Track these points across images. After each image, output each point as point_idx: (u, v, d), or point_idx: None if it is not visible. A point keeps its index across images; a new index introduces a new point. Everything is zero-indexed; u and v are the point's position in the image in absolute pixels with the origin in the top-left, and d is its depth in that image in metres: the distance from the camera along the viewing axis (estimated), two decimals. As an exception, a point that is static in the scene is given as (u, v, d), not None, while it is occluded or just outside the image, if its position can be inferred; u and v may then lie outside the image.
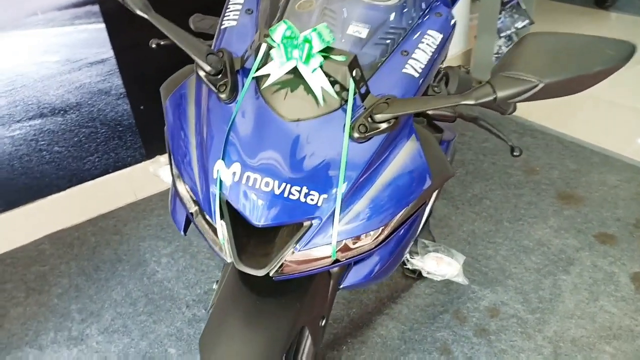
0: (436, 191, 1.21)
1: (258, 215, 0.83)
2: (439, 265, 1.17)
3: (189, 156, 0.92)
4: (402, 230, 0.97)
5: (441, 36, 1.00)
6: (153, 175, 1.42)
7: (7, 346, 1.76)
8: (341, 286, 0.99)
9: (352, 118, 0.84)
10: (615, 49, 0.77)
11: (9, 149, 2.06)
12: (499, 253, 2.02)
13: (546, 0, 4.24)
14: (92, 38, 2.08)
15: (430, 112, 1.02)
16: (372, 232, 0.88)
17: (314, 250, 0.87)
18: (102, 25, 2.06)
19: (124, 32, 2.11)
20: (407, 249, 1.08)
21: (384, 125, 0.83)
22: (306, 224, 0.84)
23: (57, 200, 2.22)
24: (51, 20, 1.97)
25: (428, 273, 1.22)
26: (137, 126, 2.32)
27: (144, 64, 2.21)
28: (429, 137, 0.95)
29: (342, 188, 0.83)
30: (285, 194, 0.82)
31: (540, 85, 0.72)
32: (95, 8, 2.02)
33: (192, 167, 0.91)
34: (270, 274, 0.88)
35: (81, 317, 1.85)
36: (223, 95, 0.89)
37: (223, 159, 0.85)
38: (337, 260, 0.90)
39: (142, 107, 2.30)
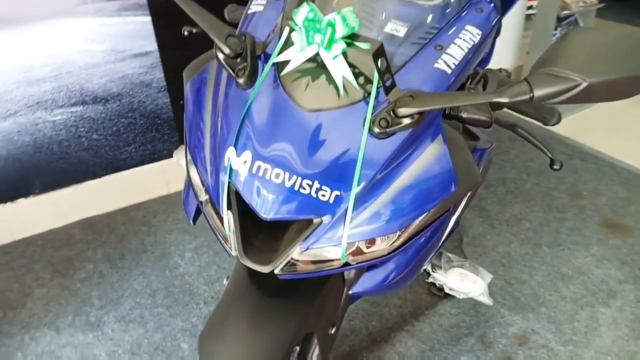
0: (464, 201, 1.13)
1: (266, 208, 0.78)
2: (463, 281, 1.09)
3: (203, 142, 0.89)
4: (423, 238, 0.90)
5: (480, 33, 0.93)
6: (176, 164, 1.40)
7: (27, 325, 1.78)
8: (351, 292, 0.93)
9: (374, 112, 0.79)
10: None
11: (49, 133, 2.11)
12: (534, 278, 1.90)
13: (605, 18, 4.05)
14: (137, 30, 2.11)
15: (464, 116, 0.95)
16: (387, 237, 0.82)
17: (322, 250, 0.81)
18: (148, 19, 2.09)
19: (169, 26, 2.13)
20: (428, 260, 1.00)
21: (406, 121, 0.77)
22: (316, 221, 0.79)
23: (91, 187, 2.26)
24: (99, 10, 2.02)
25: (451, 289, 1.14)
26: (175, 120, 2.33)
27: (186, 59, 2.22)
28: (458, 140, 0.89)
29: (356, 186, 0.77)
30: (296, 188, 0.77)
31: (584, 85, 0.64)
32: (143, 1, 2.05)
33: (204, 153, 0.88)
34: (276, 272, 0.83)
35: (100, 304, 1.86)
36: (241, 80, 0.85)
37: (235, 146, 0.81)
38: (347, 264, 0.84)
39: (181, 102, 2.31)
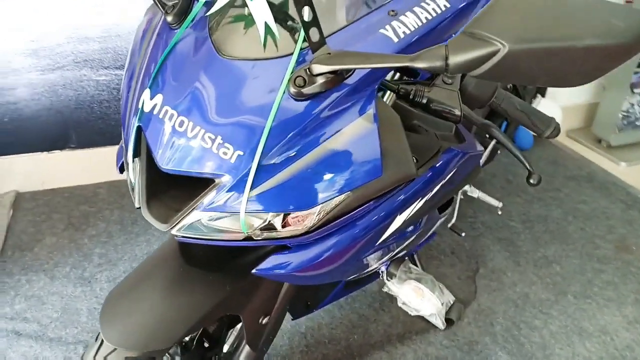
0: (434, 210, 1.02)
1: (165, 157, 0.73)
2: (417, 297, 0.97)
3: (130, 83, 0.84)
4: (346, 228, 0.80)
5: (449, 5, 0.81)
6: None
7: (27, 268, 1.84)
8: (253, 270, 0.83)
9: (294, 68, 0.70)
10: (624, 19, 0.54)
11: (92, 92, 2.19)
12: (548, 327, 1.69)
13: None
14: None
15: (430, 104, 0.84)
16: (295, 214, 0.73)
17: (219, 216, 0.74)
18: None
19: None
20: (350, 257, 0.86)
21: (320, 80, 0.68)
22: (217, 181, 0.72)
23: (123, 150, 2.31)
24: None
25: (403, 304, 1.02)
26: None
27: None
28: (394, 122, 0.77)
29: (261, 148, 0.69)
30: (197, 140, 0.71)
31: (503, 51, 0.52)
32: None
33: (128, 95, 0.83)
34: (173, 232, 0.77)
35: (99, 262, 1.88)
36: (169, 18, 0.80)
37: (150, 88, 0.76)
38: (250, 239, 0.76)
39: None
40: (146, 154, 0.76)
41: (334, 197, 0.72)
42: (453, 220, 1.80)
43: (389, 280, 1.01)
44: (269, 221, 0.74)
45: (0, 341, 1.55)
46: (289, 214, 0.73)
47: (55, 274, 1.82)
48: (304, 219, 0.74)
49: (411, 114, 1.00)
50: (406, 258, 1.08)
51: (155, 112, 0.74)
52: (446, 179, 0.92)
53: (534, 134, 0.92)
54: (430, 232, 1.26)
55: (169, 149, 0.72)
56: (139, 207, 0.77)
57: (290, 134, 0.70)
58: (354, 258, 0.84)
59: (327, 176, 0.71)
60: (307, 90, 0.68)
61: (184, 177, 0.73)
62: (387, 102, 0.95)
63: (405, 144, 0.76)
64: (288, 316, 1.36)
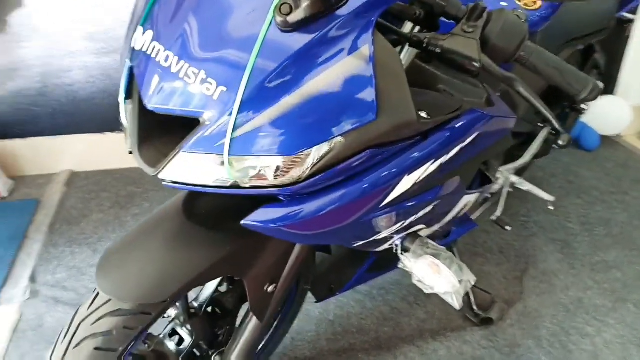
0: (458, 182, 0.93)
1: (150, 95, 0.70)
2: (433, 273, 0.89)
3: (129, 26, 0.82)
4: (342, 186, 0.73)
5: None
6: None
7: (72, 240, 1.90)
8: (242, 222, 0.78)
9: None
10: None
11: (144, 77, 2.24)
12: (602, 335, 1.53)
13: None
14: None
15: (445, 49, 0.76)
16: (282, 160, 0.67)
17: (203, 158, 0.70)
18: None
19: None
20: (349, 217, 0.78)
21: (305, 3, 0.63)
22: (202, 120, 0.68)
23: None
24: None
25: (418, 281, 0.94)
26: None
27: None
28: (393, 63, 0.70)
29: (245, 82, 0.64)
30: (181, 75, 0.67)
31: None
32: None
33: (126, 38, 0.81)
34: (160, 177, 0.74)
35: (139, 239, 1.92)
36: None
37: (142, 25, 0.74)
38: (237, 187, 0.71)
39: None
40: (138, 96, 0.74)
41: (322, 142, 0.66)
42: (498, 213, 1.68)
43: (402, 254, 0.93)
44: (259, 169, 0.69)
45: (39, 306, 1.61)
46: (281, 163, 0.67)
47: (98, 247, 1.87)
48: (288, 165, 0.68)
49: (436, 78, 0.93)
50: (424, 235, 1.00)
51: (144, 49, 0.72)
52: (466, 142, 0.84)
53: (570, 95, 0.82)
54: (461, 212, 1.17)
55: (154, 87, 0.70)
56: (131, 152, 0.75)
57: (277, 69, 0.65)
58: (355, 219, 0.77)
59: (315, 118, 0.65)
60: (292, 17, 0.63)
61: (178, 120, 0.70)
62: (406, 59, 0.88)
63: (406, 86, 0.69)
64: (314, 302, 1.31)
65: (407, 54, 0.83)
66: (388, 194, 0.78)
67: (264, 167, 0.68)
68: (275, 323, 1.31)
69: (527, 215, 2.05)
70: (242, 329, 1.04)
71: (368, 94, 0.65)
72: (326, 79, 0.65)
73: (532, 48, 0.79)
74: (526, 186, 1.66)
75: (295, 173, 0.68)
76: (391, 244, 0.96)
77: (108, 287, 0.81)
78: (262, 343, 1.31)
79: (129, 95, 0.76)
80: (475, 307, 1.57)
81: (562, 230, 1.98)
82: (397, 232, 0.91)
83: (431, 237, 1.21)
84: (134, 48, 0.74)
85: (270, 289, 0.96)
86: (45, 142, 2.26)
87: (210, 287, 1.05)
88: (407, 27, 0.91)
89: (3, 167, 2.19)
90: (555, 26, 1.33)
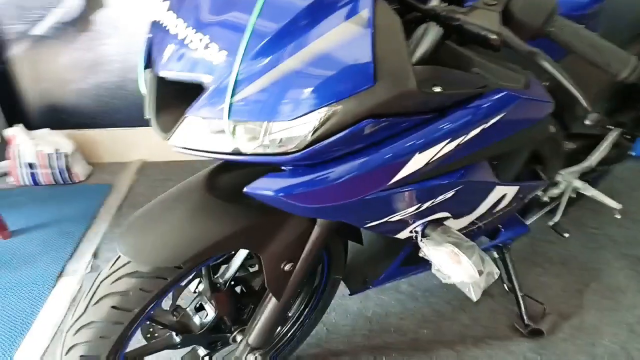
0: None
1: (161, 63, 0.73)
2: (452, 262, 0.83)
3: None
4: (347, 159, 0.71)
5: None
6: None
7: (135, 223, 2.01)
8: (245, 189, 0.78)
9: None
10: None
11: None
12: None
13: None
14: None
15: (462, 23, 0.72)
16: (281, 124, 0.67)
17: (206, 123, 0.71)
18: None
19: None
20: (355, 192, 0.76)
21: None
22: (205, 84, 0.70)
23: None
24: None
25: (437, 270, 0.88)
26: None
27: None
28: (394, 28, 0.67)
29: (244, 45, 0.65)
30: (187, 41, 0.70)
31: None
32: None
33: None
34: (170, 142, 0.76)
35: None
36: None
37: None
38: (239, 153, 0.72)
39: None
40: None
41: (320, 107, 0.65)
42: (556, 219, 1.57)
43: (422, 241, 0.89)
44: (259, 135, 0.69)
45: (98, 281, 1.72)
46: (280, 128, 0.67)
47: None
48: (289, 132, 0.67)
49: (471, 60, 0.88)
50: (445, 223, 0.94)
51: (161, 20, 0.75)
52: (489, 124, 0.79)
53: (607, 72, 0.74)
54: (500, 207, 1.09)
55: (165, 55, 0.73)
56: (149, 118, 0.79)
57: (276, 32, 0.65)
58: (360, 196, 0.75)
59: (313, 82, 0.64)
60: None
61: (196, 88, 0.72)
62: (430, 36, 0.85)
63: (405, 53, 0.66)
64: (349, 294, 1.29)
65: (432, 32, 0.80)
66: (396, 172, 0.75)
67: (262, 132, 0.68)
68: (306, 311, 1.30)
69: (598, 228, 1.89)
70: (261, 308, 1.05)
71: (366, 59, 0.64)
72: (325, 42, 0.65)
73: (564, 23, 0.74)
74: (590, 192, 1.54)
75: (295, 140, 0.68)
76: (412, 231, 0.93)
77: (127, 250, 0.85)
78: (293, 330, 1.31)
79: (148, 65, 0.80)
80: (525, 317, 1.47)
81: (638, 246, 1.80)
82: (417, 216, 0.88)
83: (472, 232, 1.16)
84: (153, 20, 0.78)
85: (287, 267, 0.96)
86: (122, 132, 2.42)
87: (236, 264, 1.06)
88: (434, 3, 0.88)
89: (84, 153, 2.38)
90: (618, 17, 1.23)
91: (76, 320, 0.88)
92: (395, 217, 0.85)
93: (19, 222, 1.99)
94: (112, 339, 0.87)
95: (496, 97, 0.79)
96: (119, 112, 2.39)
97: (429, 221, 0.92)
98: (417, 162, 0.76)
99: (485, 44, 0.73)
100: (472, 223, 1.08)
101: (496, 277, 0.86)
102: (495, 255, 1.54)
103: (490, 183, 0.94)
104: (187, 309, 1.09)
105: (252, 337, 1.05)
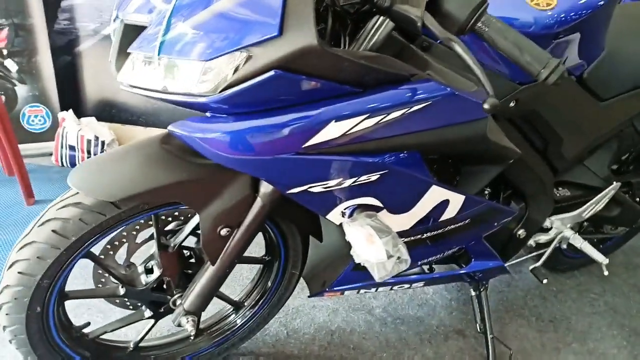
0: None
1: (125, 9, 0.83)
2: (366, 242, 0.84)
3: None
4: (262, 114, 0.78)
5: None
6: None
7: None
8: (168, 127, 0.85)
9: None
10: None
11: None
12: None
13: None
14: None
15: (392, 5, 0.78)
16: (199, 64, 0.74)
17: (142, 58, 0.80)
18: None
19: None
20: (269, 152, 0.82)
21: None
22: (147, 26, 0.79)
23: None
24: None
25: (353, 252, 0.89)
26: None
27: None
28: None
29: None
30: None
31: None
32: None
33: None
34: (117, 79, 0.86)
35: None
36: None
37: None
38: (167, 92, 0.79)
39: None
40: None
41: (232, 50, 0.72)
42: (538, 263, 1.52)
43: (346, 222, 0.91)
44: (181, 73, 0.76)
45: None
46: (198, 68, 0.75)
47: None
48: (209, 77, 0.75)
49: (427, 64, 0.92)
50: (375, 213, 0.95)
51: None
52: (412, 109, 0.82)
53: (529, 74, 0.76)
54: (451, 223, 1.09)
55: (127, 2, 0.83)
56: (111, 61, 0.89)
57: None
58: (275, 151, 0.80)
59: (230, 26, 0.72)
60: None
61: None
62: (382, 31, 0.90)
63: (310, 11, 0.72)
64: (318, 304, 1.31)
65: (382, 25, 0.86)
66: (311, 136, 0.80)
67: (184, 71, 0.76)
68: (260, 302, 1.33)
69: (600, 294, 1.79)
70: (200, 273, 1.09)
71: (275, 10, 0.71)
72: None
73: (492, 21, 0.78)
74: (580, 243, 1.49)
75: (212, 83, 0.75)
76: (342, 213, 0.95)
77: (75, 182, 0.93)
78: (245, 320, 1.34)
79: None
80: (490, 359, 1.41)
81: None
82: (342, 194, 0.90)
83: (425, 244, 1.15)
84: None
85: (223, 232, 1.01)
86: (158, 132, 2.59)
87: (187, 229, 1.12)
88: None
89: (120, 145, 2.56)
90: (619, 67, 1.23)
91: (23, 239, 0.96)
92: (317, 188, 0.88)
93: (46, 194, 2.17)
94: (48, 261, 0.95)
95: (423, 85, 0.83)
96: (162, 114, 2.58)
97: (358, 205, 0.94)
98: (333, 130, 0.80)
99: (404, 24, 0.77)
100: (418, 230, 1.09)
101: (407, 266, 0.86)
102: (472, 292, 1.50)
103: (422, 179, 0.95)
104: (138, 266, 1.15)
105: (188, 301, 1.09)
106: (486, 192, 1.30)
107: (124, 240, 1.11)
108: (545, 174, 1.31)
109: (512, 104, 1.06)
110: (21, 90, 2.45)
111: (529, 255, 1.53)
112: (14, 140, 2.07)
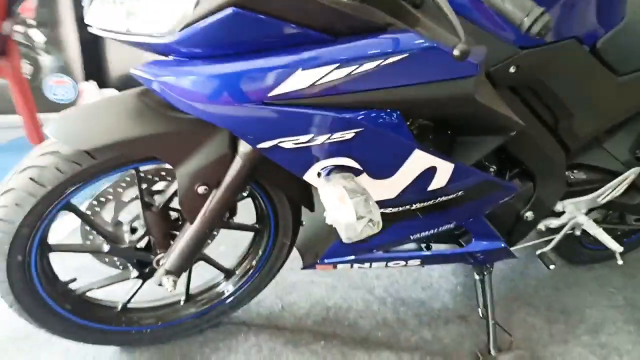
0: None
1: None
2: (337, 201, 0.79)
3: None
4: (225, 58, 0.75)
5: None
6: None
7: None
8: (130, 71, 0.84)
9: None
10: None
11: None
12: None
13: None
14: None
15: None
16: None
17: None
18: None
19: None
20: (234, 101, 0.78)
21: None
22: None
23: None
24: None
25: (325, 211, 0.84)
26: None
27: None
28: None
29: None
30: None
31: None
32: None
33: None
34: (86, 21, 0.85)
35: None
36: None
37: None
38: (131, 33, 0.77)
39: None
40: None
41: None
42: (546, 248, 1.43)
43: (320, 181, 0.86)
44: (139, 11, 0.74)
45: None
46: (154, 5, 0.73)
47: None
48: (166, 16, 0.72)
49: (417, 20, 0.87)
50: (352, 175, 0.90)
51: None
52: (388, 61, 0.77)
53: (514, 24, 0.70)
54: (441, 194, 1.03)
55: None
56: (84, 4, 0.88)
57: None
58: (239, 99, 0.76)
59: None
60: None
61: None
62: None
63: None
64: (316, 278, 1.28)
65: None
66: (277, 83, 0.76)
67: (145, 9, 0.74)
68: (251, 271, 1.30)
69: (620, 289, 1.68)
70: (181, 233, 1.08)
71: None
72: None
73: None
74: (593, 230, 1.39)
75: (172, 21, 0.72)
76: (318, 173, 0.91)
77: (53, 130, 0.93)
78: (235, 288, 1.31)
79: None
80: (491, 347, 1.34)
81: (661, 316, 1.57)
82: (317, 152, 0.86)
83: (415, 216, 1.10)
84: None
85: (200, 190, 0.98)
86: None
87: (172, 188, 1.11)
88: None
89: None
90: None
91: (4, 185, 0.97)
92: (287, 144, 0.84)
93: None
94: (26, 209, 0.95)
95: (400, 35, 0.78)
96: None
97: (335, 166, 0.90)
98: (301, 79, 0.76)
99: None
100: (405, 199, 1.03)
101: (378, 229, 0.81)
102: (476, 276, 1.43)
103: (402, 141, 0.89)
104: (124, 225, 1.14)
105: (169, 261, 1.08)
106: (491, 169, 1.23)
107: (110, 197, 1.11)
108: (555, 153, 1.23)
109: (512, 70, 0.99)
110: (46, 60, 2.51)
111: (538, 241, 1.45)
112: (34, 110, 2.12)
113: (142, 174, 1.09)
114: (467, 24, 0.95)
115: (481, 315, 1.40)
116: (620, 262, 1.38)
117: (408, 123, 1.02)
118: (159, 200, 1.11)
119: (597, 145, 1.33)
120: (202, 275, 1.34)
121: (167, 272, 1.08)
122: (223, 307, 1.33)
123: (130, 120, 0.93)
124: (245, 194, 1.20)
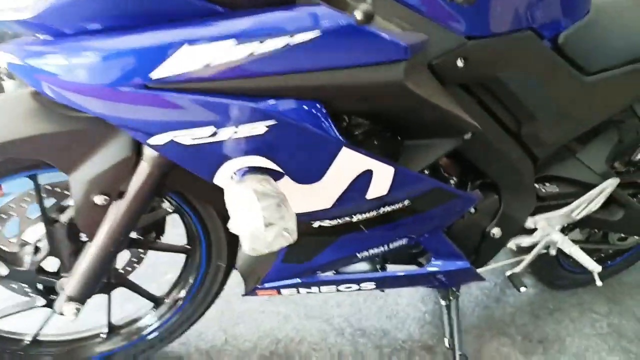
0: None
1: None
2: (243, 206, 0.65)
3: None
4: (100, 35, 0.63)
5: None
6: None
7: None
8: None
9: None
10: None
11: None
12: None
13: None
14: None
15: None
16: None
17: None
18: None
19: None
20: (112, 84, 0.66)
21: None
22: None
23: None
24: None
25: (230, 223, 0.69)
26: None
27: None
28: None
29: None
30: None
31: None
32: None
33: None
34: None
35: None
36: None
37: None
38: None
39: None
40: None
41: None
42: (517, 269, 1.29)
43: (228, 184, 0.72)
44: None
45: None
46: None
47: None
48: None
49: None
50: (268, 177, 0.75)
51: None
52: (296, 40, 0.65)
53: None
54: (383, 204, 0.90)
55: None
56: None
57: None
58: (116, 82, 0.63)
59: None
60: None
61: None
62: None
63: None
64: (268, 307, 1.14)
65: None
66: (157, 61, 0.63)
67: None
68: (182, 298, 1.15)
69: (604, 315, 1.53)
70: (82, 254, 0.93)
71: None
72: None
73: None
74: (569, 248, 1.25)
75: None
76: (232, 176, 0.77)
77: None
78: (163, 319, 1.16)
79: None
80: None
81: (649, 346, 1.42)
82: (226, 150, 0.72)
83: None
84: None
85: (98, 200, 0.85)
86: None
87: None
88: None
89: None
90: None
91: None
92: (184, 139, 0.71)
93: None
94: None
95: (309, 8, 0.66)
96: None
97: (250, 168, 0.76)
98: (190, 58, 0.64)
99: None
100: (344, 210, 0.89)
101: (292, 240, 0.67)
102: (442, 302, 1.28)
103: (325, 137, 0.75)
104: (29, 245, 1.00)
105: (70, 285, 0.93)
106: (452, 180, 1.10)
107: (12, 213, 0.97)
108: (521, 161, 1.10)
109: (460, 63, 0.87)
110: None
111: (510, 260, 1.31)
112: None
113: (49, 187, 0.96)
114: (403, 9, 0.84)
115: (447, 345, 1.25)
116: (599, 283, 1.23)
117: (345, 124, 0.90)
118: (65, 215, 0.97)
119: (570, 156, 1.21)
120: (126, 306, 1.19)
121: (69, 299, 0.93)
122: (151, 340, 1.17)
123: (20, 120, 0.81)
124: (170, 210, 1.06)
